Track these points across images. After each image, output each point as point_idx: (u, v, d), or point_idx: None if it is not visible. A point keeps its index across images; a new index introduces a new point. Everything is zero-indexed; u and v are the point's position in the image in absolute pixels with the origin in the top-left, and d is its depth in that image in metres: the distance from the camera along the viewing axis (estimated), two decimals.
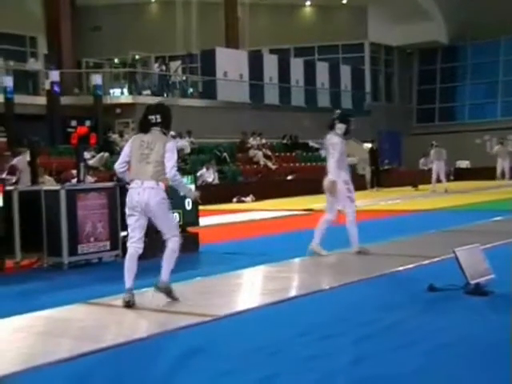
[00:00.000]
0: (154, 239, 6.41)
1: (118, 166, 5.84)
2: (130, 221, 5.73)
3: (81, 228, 8.05)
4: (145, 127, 5.76)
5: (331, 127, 8.30)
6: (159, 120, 5.72)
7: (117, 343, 4.52)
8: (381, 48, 36.61)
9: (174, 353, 4.35)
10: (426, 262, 7.44)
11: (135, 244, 5.69)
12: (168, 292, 5.74)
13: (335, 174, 8.06)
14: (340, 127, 8.25)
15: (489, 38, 35.15)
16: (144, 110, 5.88)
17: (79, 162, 8.72)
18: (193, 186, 6.06)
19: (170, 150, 5.63)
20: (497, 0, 32.62)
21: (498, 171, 24.25)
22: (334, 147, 8.10)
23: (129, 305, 5.54)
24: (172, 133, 5.88)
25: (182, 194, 6.62)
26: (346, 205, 8.23)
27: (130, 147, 5.76)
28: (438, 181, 21.43)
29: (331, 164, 8.09)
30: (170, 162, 5.61)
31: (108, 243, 8.34)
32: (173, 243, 5.71)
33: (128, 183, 5.85)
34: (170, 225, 5.76)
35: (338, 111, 8.73)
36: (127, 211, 5.75)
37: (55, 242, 7.94)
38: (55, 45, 23.82)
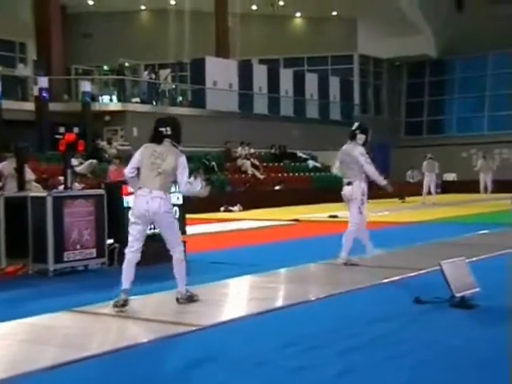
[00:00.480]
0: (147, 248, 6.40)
1: (128, 172, 5.94)
2: (133, 230, 5.82)
3: (67, 235, 8.01)
4: (157, 139, 5.89)
5: (352, 138, 8.45)
6: (169, 132, 5.88)
7: (102, 351, 4.50)
8: (370, 60, 36.81)
9: (160, 362, 4.34)
10: (413, 274, 7.47)
11: (135, 253, 5.80)
12: (190, 300, 5.92)
13: (377, 177, 8.28)
14: (360, 138, 8.43)
15: (477, 52, 35.47)
16: (154, 123, 5.99)
17: (67, 168, 8.69)
18: (198, 184, 6.09)
19: (182, 164, 5.80)
20: (485, 16, 33.02)
21: (481, 185, 24.38)
22: (363, 154, 8.26)
23: (125, 304, 5.61)
24: None
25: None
26: (353, 214, 8.24)
27: (141, 155, 5.86)
28: (429, 193, 21.55)
29: (371, 169, 8.22)
30: (184, 177, 5.79)
31: (94, 251, 8.30)
32: (178, 253, 5.91)
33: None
34: (175, 234, 5.93)
35: (357, 123, 8.88)
36: (132, 219, 5.84)
37: (41, 249, 7.90)
38: (45, 51, 23.74)
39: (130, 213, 5.95)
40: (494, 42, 33.86)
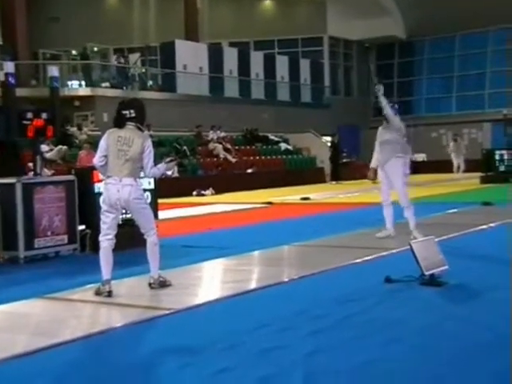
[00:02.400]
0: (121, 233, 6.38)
1: (98, 161, 5.88)
2: (106, 218, 5.80)
3: (37, 222, 7.95)
4: (120, 122, 5.82)
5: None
6: (133, 115, 5.79)
7: (75, 337, 4.49)
8: (340, 42, 36.88)
9: (132, 347, 4.35)
10: (384, 253, 7.57)
11: (110, 241, 5.79)
12: (162, 285, 5.92)
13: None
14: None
15: (444, 33, 35.73)
16: (117, 105, 5.90)
17: (36, 154, 8.60)
18: (162, 165, 6.04)
19: (149, 148, 5.77)
20: None
21: (455, 166, 24.70)
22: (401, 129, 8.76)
23: (110, 295, 5.63)
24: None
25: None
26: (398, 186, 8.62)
27: (107, 142, 5.79)
28: None
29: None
30: (150, 161, 5.77)
31: (66, 237, 8.26)
32: (152, 237, 5.90)
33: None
34: (148, 219, 5.94)
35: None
36: (104, 207, 5.82)
37: (11, 236, 7.82)
38: (10, 35, 23.36)
39: (102, 201, 5.91)
40: (461, 24, 34.13)
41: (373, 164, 9.12)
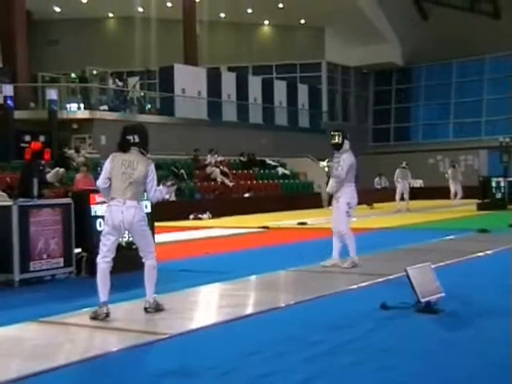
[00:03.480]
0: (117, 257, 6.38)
1: (102, 183, 5.93)
2: (107, 241, 5.82)
3: (33, 244, 7.93)
4: (124, 147, 5.90)
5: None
6: (137, 140, 5.89)
7: (69, 362, 4.46)
8: (338, 68, 37.16)
9: (127, 372, 4.33)
10: (380, 279, 7.56)
11: (108, 263, 5.80)
12: (157, 309, 5.92)
13: None
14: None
15: (442, 60, 36.06)
16: (122, 130, 5.99)
17: (33, 177, 8.61)
18: (162, 188, 6.12)
19: (153, 172, 5.88)
20: (448, 26, 33.61)
21: (452, 192, 24.74)
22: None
23: (107, 316, 5.63)
24: None
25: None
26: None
27: (111, 164, 5.85)
28: (401, 199, 22.03)
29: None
30: (153, 186, 5.88)
31: (61, 260, 8.24)
32: (151, 260, 5.93)
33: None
34: (148, 242, 5.97)
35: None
36: (106, 229, 5.84)
37: (6, 259, 7.79)
38: (10, 58, 23.46)
39: (104, 223, 5.93)
40: (458, 51, 34.48)
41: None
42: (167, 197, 6.34)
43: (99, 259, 5.81)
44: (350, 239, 8.58)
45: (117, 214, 5.74)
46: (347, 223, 8.64)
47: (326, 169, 8.88)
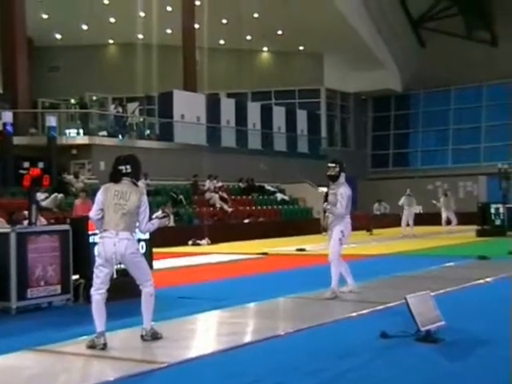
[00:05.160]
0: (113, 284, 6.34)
1: (94, 214, 5.90)
2: (100, 273, 5.77)
3: (31, 271, 7.87)
4: (116, 177, 5.88)
5: None
6: (129, 170, 5.87)
7: None
8: (337, 94, 37.36)
9: None
10: (380, 307, 7.50)
11: (102, 295, 5.75)
12: (154, 337, 5.87)
13: None
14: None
15: (440, 87, 36.28)
16: (114, 161, 5.98)
17: (31, 203, 8.58)
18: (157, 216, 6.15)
19: (145, 203, 5.85)
20: (447, 53, 33.90)
21: (443, 219, 24.61)
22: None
23: (105, 347, 5.57)
24: None
25: None
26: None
27: (104, 196, 5.82)
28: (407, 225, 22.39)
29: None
30: (146, 217, 5.86)
31: (59, 287, 8.17)
32: (148, 288, 5.88)
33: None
34: (143, 272, 5.92)
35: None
36: (99, 261, 5.79)
37: (3, 286, 7.73)
38: (11, 84, 23.56)
39: (97, 255, 5.89)
40: (456, 78, 34.71)
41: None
42: (162, 223, 6.31)
43: (93, 291, 5.76)
44: (335, 266, 8.50)
45: (109, 246, 5.71)
46: (338, 250, 8.59)
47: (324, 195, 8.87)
